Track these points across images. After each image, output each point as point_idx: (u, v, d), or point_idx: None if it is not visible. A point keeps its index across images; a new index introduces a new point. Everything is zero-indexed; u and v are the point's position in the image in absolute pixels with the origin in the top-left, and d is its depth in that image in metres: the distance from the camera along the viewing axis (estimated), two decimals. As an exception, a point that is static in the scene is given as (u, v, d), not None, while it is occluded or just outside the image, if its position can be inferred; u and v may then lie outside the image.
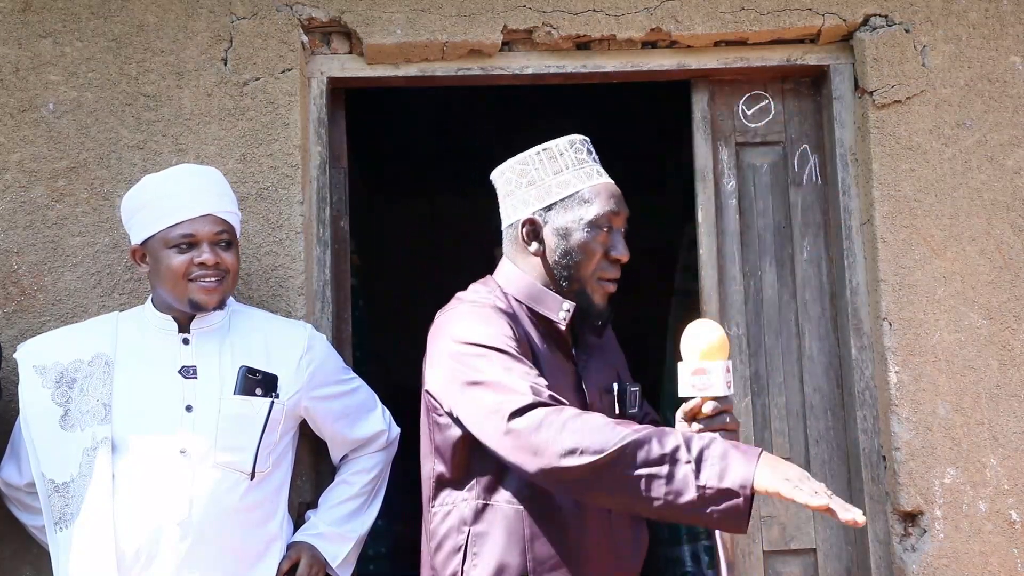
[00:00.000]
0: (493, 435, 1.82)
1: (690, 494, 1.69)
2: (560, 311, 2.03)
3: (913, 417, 2.57)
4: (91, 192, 2.53)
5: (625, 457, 1.71)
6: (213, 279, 2.17)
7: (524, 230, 2.06)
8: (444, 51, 2.67)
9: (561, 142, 2.10)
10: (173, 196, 2.20)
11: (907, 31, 2.68)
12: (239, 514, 2.14)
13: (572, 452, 1.73)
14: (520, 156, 2.11)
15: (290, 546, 2.28)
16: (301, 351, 2.29)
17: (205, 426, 2.14)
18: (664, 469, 1.70)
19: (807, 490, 1.64)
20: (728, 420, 1.89)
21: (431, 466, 2.03)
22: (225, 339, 2.25)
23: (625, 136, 4.71)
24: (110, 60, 2.57)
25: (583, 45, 2.73)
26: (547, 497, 1.94)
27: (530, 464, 1.77)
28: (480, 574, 1.93)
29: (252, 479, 2.16)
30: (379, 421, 2.42)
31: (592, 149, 2.14)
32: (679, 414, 1.95)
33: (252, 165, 2.55)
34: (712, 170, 2.79)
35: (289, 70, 2.59)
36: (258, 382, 2.20)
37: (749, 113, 2.83)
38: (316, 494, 2.47)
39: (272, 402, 2.20)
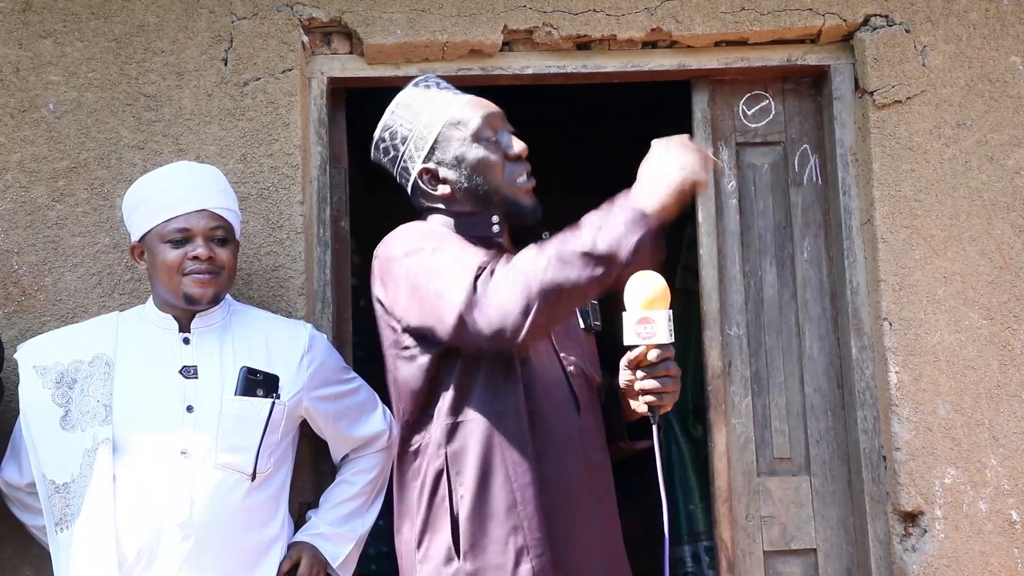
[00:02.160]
0: (459, 304, 1.83)
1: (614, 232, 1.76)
2: (491, 225, 2.05)
3: (913, 417, 2.57)
4: (91, 192, 2.53)
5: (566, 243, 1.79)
6: (206, 273, 2.17)
7: (425, 180, 2.08)
8: (444, 51, 2.67)
9: (405, 91, 2.13)
10: (169, 191, 2.20)
11: (907, 31, 2.68)
12: (240, 515, 2.14)
13: (546, 269, 1.78)
14: (380, 124, 2.13)
15: (291, 546, 2.28)
16: (302, 351, 2.29)
17: (206, 427, 2.14)
18: (589, 234, 1.78)
19: (681, 172, 1.77)
20: (671, 366, 1.91)
21: (403, 419, 2.03)
22: (226, 339, 2.24)
23: (625, 136, 4.71)
24: (110, 60, 2.57)
25: (583, 45, 2.73)
26: (511, 413, 1.93)
27: (513, 307, 1.78)
28: (466, 489, 1.91)
29: (253, 480, 2.16)
30: (380, 421, 2.42)
31: (440, 81, 2.16)
32: (623, 362, 1.97)
33: (252, 165, 2.55)
34: (712, 170, 2.79)
35: (289, 70, 2.59)
36: (259, 383, 2.20)
37: (749, 113, 2.83)
38: (317, 494, 2.47)
39: (273, 403, 2.20)
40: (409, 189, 2.13)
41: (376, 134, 2.14)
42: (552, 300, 1.78)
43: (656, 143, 1.86)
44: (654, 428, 1.93)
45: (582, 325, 2.13)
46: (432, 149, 2.07)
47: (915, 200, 2.63)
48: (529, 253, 1.83)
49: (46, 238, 2.52)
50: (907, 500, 2.55)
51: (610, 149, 4.98)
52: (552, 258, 1.78)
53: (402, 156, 2.10)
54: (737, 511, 2.71)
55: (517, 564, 1.87)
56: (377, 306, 2.05)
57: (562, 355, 2.04)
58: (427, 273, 1.91)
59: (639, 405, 1.96)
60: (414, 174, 2.09)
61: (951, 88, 2.67)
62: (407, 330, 1.96)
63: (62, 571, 2.12)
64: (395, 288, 1.97)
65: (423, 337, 1.94)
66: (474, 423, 1.93)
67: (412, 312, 1.93)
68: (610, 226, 1.77)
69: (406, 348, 1.99)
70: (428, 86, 2.13)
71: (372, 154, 2.17)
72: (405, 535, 2.02)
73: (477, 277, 1.83)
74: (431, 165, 2.07)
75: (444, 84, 2.16)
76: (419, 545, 1.95)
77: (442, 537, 1.92)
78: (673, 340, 1.92)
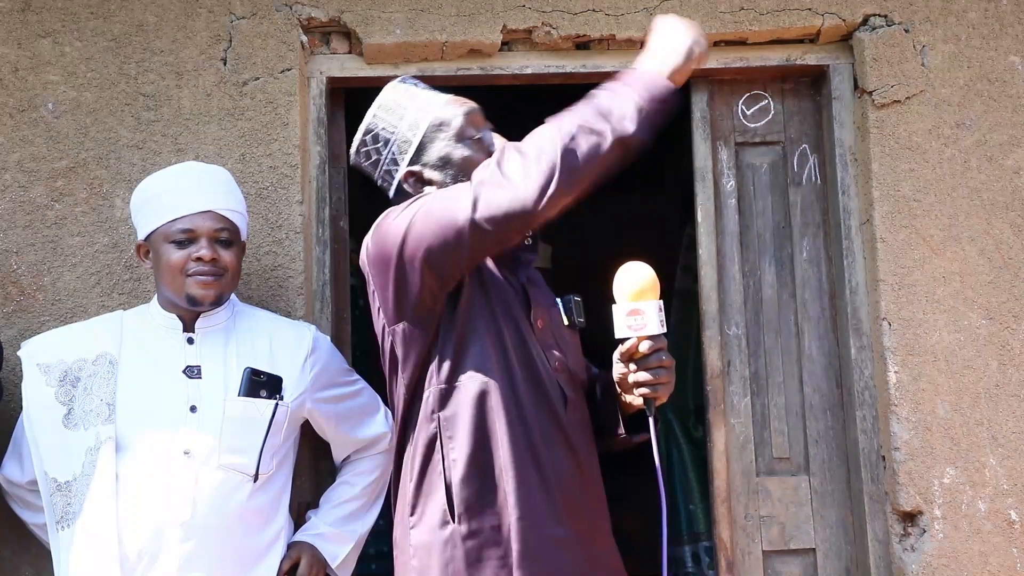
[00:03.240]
0: (472, 192, 1.83)
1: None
2: None
3: (912, 417, 2.57)
4: (90, 192, 2.53)
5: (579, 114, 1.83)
6: (210, 275, 2.17)
7: (410, 183, 2.06)
8: (444, 51, 2.67)
9: (385, 92, 2.11)
10: (175, 191, 2.20)
11: (906, 31, 2.68)
12: (242, 516, 2.14)
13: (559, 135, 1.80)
14: (361, 127, 2.11)
15: (290, 546, 2.28)
16: (305, 353, 2.29)
17: (209, 427, 2.14)
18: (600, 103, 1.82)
19: (689, 40, 1.85)
20: (664, 357, 1.90)
21: (400, 400, 2.01)
22: (230, 339, 2.24)
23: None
24: (109, 60, 2.57)
25: (583, 45, 2.73)
26: (503, 379, 1.92)
27: (534, 179, 1.79)
28: (460, 453, 1.89)
29: (255, 481, 2.16)
30: (382, 423, 2.42)
31: (418, 81, 2.15)
32: (616, 355, 1.95)
33: (251, 165, 2.55)
34: (711, 170, 2.79)
35: (288, 70, 2.59)
36: (263, 384, 2.20)
37: (748, 113, 2.83)
38: (317, 494, 2.47)
39: (276, 404, 2.20)
40: (392, 192, 2.10)
41: (356, 138, 2.12)
42: (573, 167, 1.78)
43: (660, 18, 1.92)
44: (651, 421, 1.91)
45: (566, 322, 2.10)
46: (417, 151, 2.05)
47: (914, 200, 2.63)
48: (543, 128, 1.84)
49: (45, 238, 2.51)
50: (906, 500, 2.55)
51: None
52: (570, 126, 1.80)
53: (385, 159, 2.08)
54: (736, 511, 2.71)
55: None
56: (374, 277, 1.99)
57: (546, 352, 2.01)
58: (429, 205, 1.89)
59: (635, 398, 1.95)
60: (398, 177, 2.07)
61: (950, 88, 2.67)
62: (423, 269, 1.89)
63: (63, 570, 2.12)
64: (400, 234, 1.90)
65: (436, 278, 1.89)
66: (467, 388, 1.91)
67: (427, 235, 1.86)
68: (626, 91, 1.80)
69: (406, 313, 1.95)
70: (407, 87, 2.12)
71: (352, 158, 2.15)
72: (398, 504, 2.01)
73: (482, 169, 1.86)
74: (416, 168, 2.05)
75: (422, 84, 2.15)
76: (413, 511, 1.94)
77: (436, 500, 1.90)
78: (665, 331, 1.90)
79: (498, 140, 2.06)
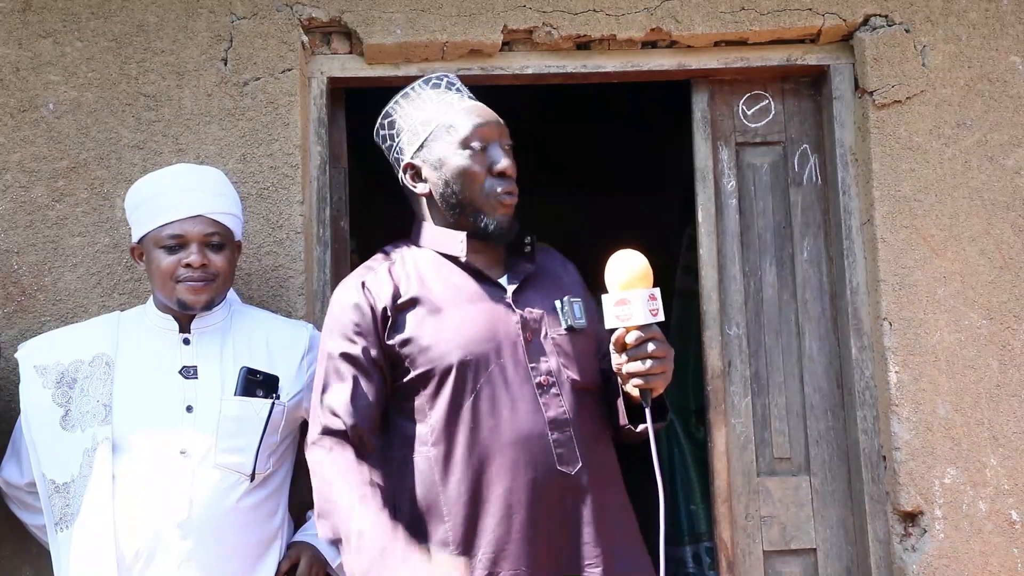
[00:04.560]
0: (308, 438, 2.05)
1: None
2: (457, 244, 2.06)
3: (913, 417, 2.57)
4: (91, 192, 2.53)
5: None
6: (199, 281, 2.17)
7: (408, 176, 2.11)
8: (444, 51, 2.67)
9: (417, 83, 2.15)
10: (166, 195, 2.19)
11: (907, 31, 2.68)
12: (239, 515, 2.14)
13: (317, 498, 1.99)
14: (385, 110, 2.16)
15: (290, 546, 2.28)
16: (303, 352, 2.29)
17: (206, 427, 2.14)
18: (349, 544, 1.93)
19: None
20: (654, 348, 1.86)
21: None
22: (226, 339, 2.24)
23: (625, 136, 4.71)
24: (110, 60, 2.57)
25: (583, 45, 2.73)
26: (451, 442, 1.97)
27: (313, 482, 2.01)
28: (401, 520, 1.93)
29: (252, 480, 2.16)
30: (379, 421, 2.42)
31: (454, 82, 2.17)
32: (611, 347, 1.92)
33: (252, 165, 2.55)
34: (712, 170, 2.79)
35: (289, 70, 2.59)
36: (259, 383, 2.20)
37: (749, 113, 2.83)
38: (316, 494, 2.47)
39: (273, 403, 2.20)
40: (399, 179, 2.16)
41: (379, 119, 2.18)
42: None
43: None
44: (647, 412, 1.88)
45: (563, 328, 2.06)
46: (421, 146, 2.08)
47: (915, 200, 2.63)
48: (321, 468, 1.99)
49: (46, 238, 2.52)
50: (907, 500, 2.55)
51: (612, 149, 5.00)
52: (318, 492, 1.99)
53: (395, 146, 2.14)
54: (737, 511, 2.71)
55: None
56: None
57: (532, 366, 2.01)
58: (317, 385, 2.06)
59: (632, 389, 1.92)
60: (401, 166, 2.13)
61: (951, 88, 2.67)
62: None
63: (62, 571, 2.12)
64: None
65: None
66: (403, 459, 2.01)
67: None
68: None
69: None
70: (439, 85, 2.14)
71: (374, 136, 2.21)
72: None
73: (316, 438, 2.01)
74: (416, 161, 2.09)
75: (457, 86, 2.16)
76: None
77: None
78: (655, 320, 1.86)
79: (504, 160, 2.05)
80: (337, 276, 2.69)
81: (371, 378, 2.00)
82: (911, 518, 2.57)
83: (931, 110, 2.66)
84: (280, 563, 2.23)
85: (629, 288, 1.86)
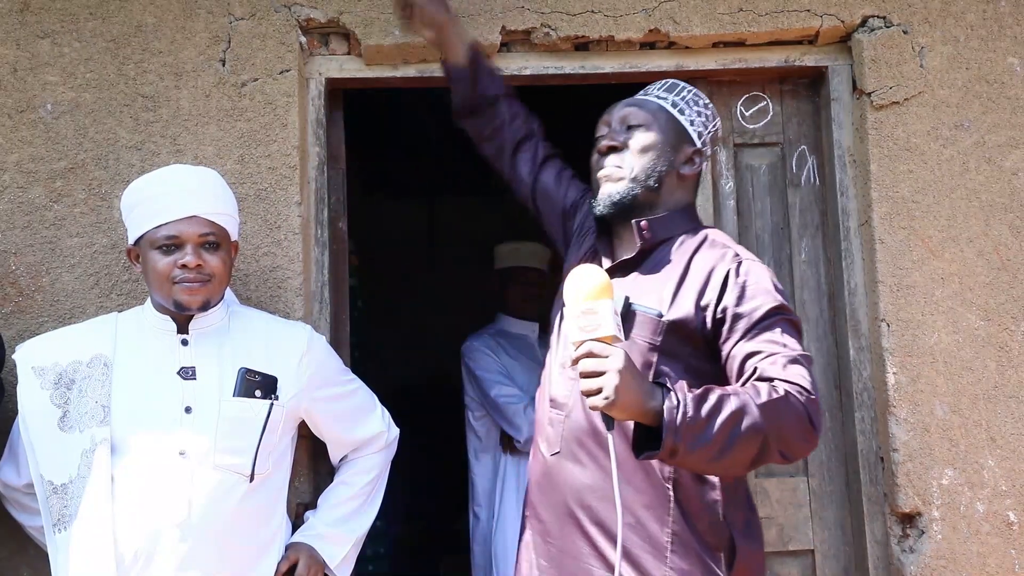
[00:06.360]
0: None
1: None
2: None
3: (911, 418, 2.57)
4: (89, 193, 2.53)
5: None
6: (195, 282, 2.16)
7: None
8: (442, 52, 2.67)
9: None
10: (160, 197, 2.18)
11: (905, 32, 2.68)
12: (238, 516, 2.14)
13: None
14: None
15: (289, 547, 2.28)
16: (301, 352, 2.29)
17: (204, 428, 2.14)
18: None
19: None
20: (592, 365, 1.76)
21: None
22: (224, 340, 2.24)
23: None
24: (108, 61, 2.57)
25: (581, 46, 2.73)
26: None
27: None
28: None
29: (251, 481, 2.16)
30: (378, 422, 2.42)
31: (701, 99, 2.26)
32: (570, 363, 1.86)
33: (250, 166, 2.55)
34: (710, 171, 2.79)
35: (287, 71, 2.59)
36: (257, 384, 2.20)
37: (747, 114, 2.83)
38: (315, 495, 2.47)
39: (271, 404, 2.20)
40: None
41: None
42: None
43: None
44: (609, 436, 1.79)
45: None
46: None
47: (913, 201, 2.64)
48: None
49: (44, 239, 2.51)
50: (905, 501, 2.56)
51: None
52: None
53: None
54: (735, 512, 2.71)
55: None
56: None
57: (551, 399, 2.14)
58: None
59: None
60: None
61: (949, 89, 2.67)
62: None
63: (60, 572, 2.11)
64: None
65: None
66: None
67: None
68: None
69: None
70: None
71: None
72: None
73: None
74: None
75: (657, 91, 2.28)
76: None
77: None
78: (621, 334, 1.79)
79: (606, 140, 2.23)
80: (335, 277, 2.70)
81: None
82: (909, 519, 2.57)
83: (929, 111, 2.66)
84: (279, 564, 2.23)
85: (594, 299, 1.79)
